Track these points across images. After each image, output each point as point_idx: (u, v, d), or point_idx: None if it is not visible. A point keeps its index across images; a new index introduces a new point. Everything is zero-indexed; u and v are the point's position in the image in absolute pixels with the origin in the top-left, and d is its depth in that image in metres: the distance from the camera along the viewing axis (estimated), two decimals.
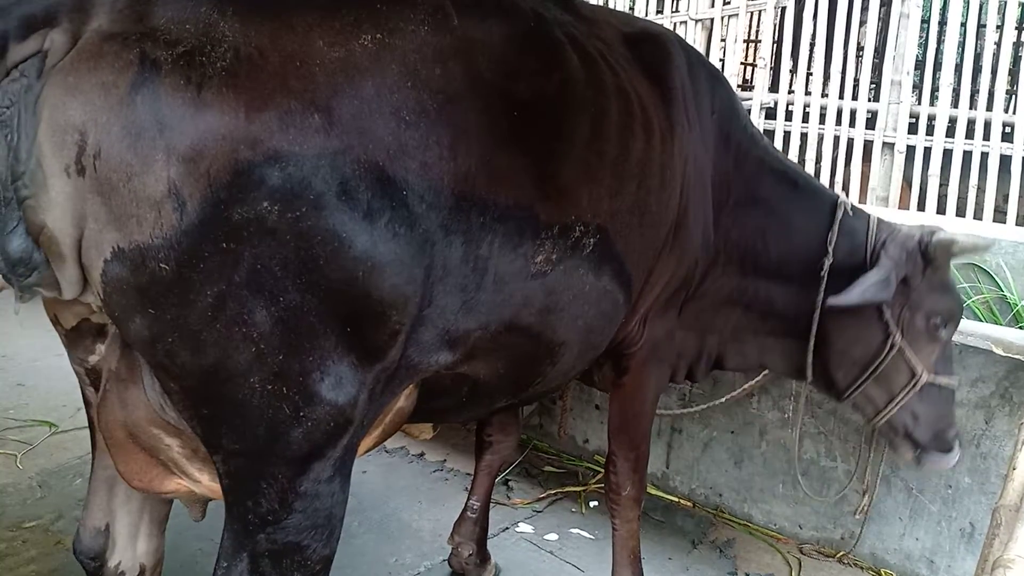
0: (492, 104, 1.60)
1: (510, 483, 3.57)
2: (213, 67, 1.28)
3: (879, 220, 2.49)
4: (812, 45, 7.19)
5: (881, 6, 7.36)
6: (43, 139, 1.26)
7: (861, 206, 2.65)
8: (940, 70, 6.97)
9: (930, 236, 2.36)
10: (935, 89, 7.25)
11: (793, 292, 2.43)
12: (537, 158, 1.70)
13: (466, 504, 2.83)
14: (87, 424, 3.78)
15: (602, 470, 3.65)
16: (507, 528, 3.24)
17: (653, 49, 2.19)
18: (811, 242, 2.42)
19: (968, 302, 4.58)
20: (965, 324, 3.04)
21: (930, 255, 2.35)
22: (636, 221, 1.97)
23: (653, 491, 3.57)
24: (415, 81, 1.46)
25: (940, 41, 7.03)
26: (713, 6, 7.53)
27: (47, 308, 1.59)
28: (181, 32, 1.29)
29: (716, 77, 2.46)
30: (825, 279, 2.37)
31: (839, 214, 2.44)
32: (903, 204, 6.94)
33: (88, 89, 1.25)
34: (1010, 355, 2.79)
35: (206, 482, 1.59)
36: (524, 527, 3.26)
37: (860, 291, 2.25)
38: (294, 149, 1.32)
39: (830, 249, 2.38)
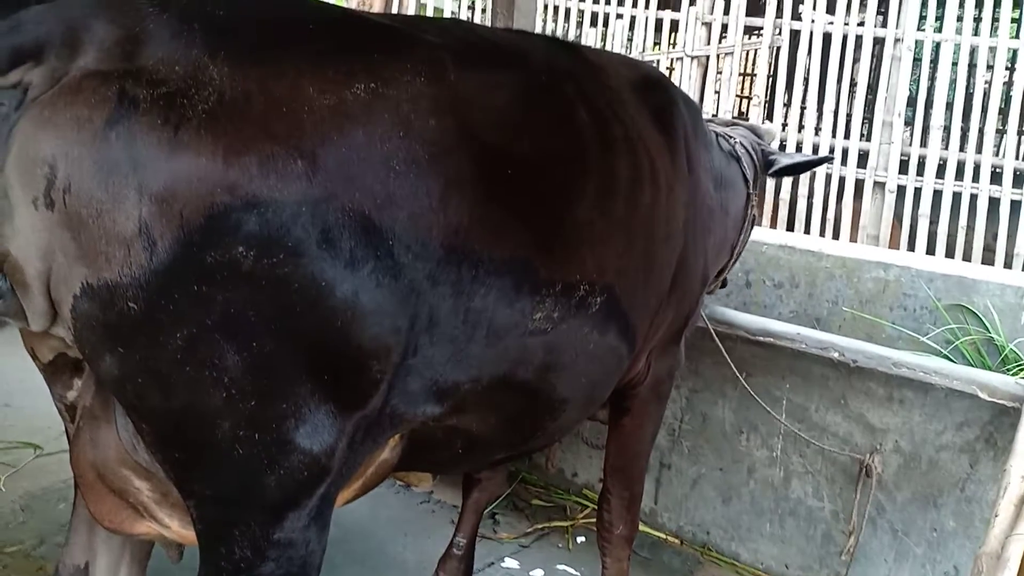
0: (489, 158, 1.58)
1: (497, 516, 3.56)
2: (194, 109, 1.27)
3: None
4: (806, 82, 7.28)
5: (874, 44, 7.46)
6: (12, 170, 1.25)
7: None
8: (932, 108, 7.06)
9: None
10: (926, 128, 7.32)
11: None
12: (539, 214, 1.68)
13: (452, 540, 2.82)
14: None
15: (590, 505, 3.65)
16: (492, 563, 3.21)
17: (658, 95, 2.22)
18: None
19: (956, 343, 4.62)
20: (951, 367, 3.07)
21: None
22: (642, 275, 1.97)
23: (641, 527, 3.54)
24: (407, 131, 1.45)
25: (932, 79, 7.12)
26: (709, 43, 7.61)
27: (24, 341, 1.58)
28: (169, 73, 1.28)
29: (699, 112, 2.53)
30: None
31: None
32: (893, 242, 7.00)
33: (62, 123, 1.24)
34: (995, 400, 2.81)
35: (175, 528, 1.57)
36: (510, 562, 3.24)
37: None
38: (274, 195, 1.30)
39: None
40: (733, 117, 8.21)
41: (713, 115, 4.03)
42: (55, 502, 3.39)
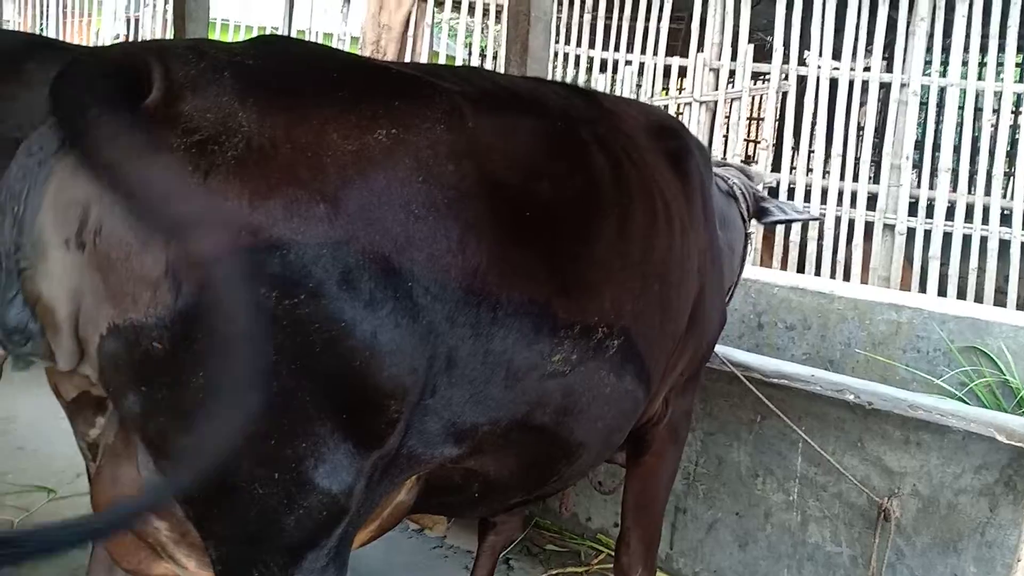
0: (507, 202, 1.61)
1: (511, 562, 3.52)
2: (223, 156, 1.31)
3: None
4: (813, 126, 7.35)
5: (880, 88, 7.54)
6: (47, 212, 1.30)
7: None
8: (939, 151, 7.11)
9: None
10: (934, 170, 7.37)
11: None
12: (557, 258, 1.70)
13: None
14: (87, 492, 3.76)
15: (604, 550, 3.61)
16: None
17: (673, 141, 2.25)
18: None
19: (971, 386, 4.60)
20: (968, 410, 3.05)
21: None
22: (658, 319, 1.98)
23: (657, 573, 3.52)
24: (427, 176, 1.48)
25: (939, 122, 7.19)
26: (717, 88, 7.71)
27: (48, 378, 1.61)
28: (201, 121, 1.32)
29: (710, 158, 2.57)
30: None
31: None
32: (904, 284, 7.00)
33: (96, 166, 1.28)
34: (1013, 442, 2.79)
35: (192, 569, 1.56)
36: None
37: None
38: (296, 237, 1.33)
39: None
40: (741, 161, 8.31)
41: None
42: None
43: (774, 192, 7.54)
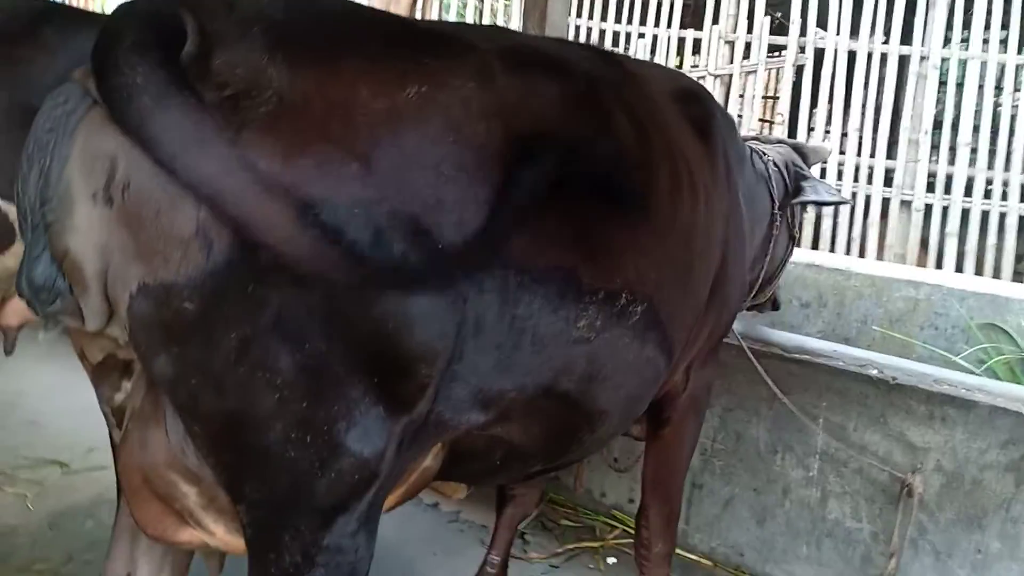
0: (535, 165, 1.56)
1: (526, 536, 3.50)
2: (256, 111, 1.27)
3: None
4: (830, 102, 7.25)
5: (900, 62, 7.43)
6: (75, 164, 1.26)
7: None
8: (959, 126, 7.01)
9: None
10: (953, 147, 7.28)
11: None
12: (582, 222, 1.67)
13: (486, 558, 2.77)
14: (100, 465, 3.73)
15: (619, 526, 3.59)
16: None
17: (698, 107, 2.20)
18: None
19: (989, 363, 4.55)
20: (995, 385, 3.01)
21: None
22: (681, 287, 1.94)
23: None
24: (457, 136, 1.44)
25: (959, 97, 7.06)
26: (732, 62, 7.61)
27: (74, 342, 1.57)
28: (231, 75, 1.29)
29: (735, 126, 2.51)
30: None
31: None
32: (920, 261, 6.93)
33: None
34: None
35: (220, 535, 1.54)
36: None
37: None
38: (328, 196, 1.29)
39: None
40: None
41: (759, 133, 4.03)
42: (82, 519, 3.38)
43: None
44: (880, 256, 6.80)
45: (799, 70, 7.77)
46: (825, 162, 7.36)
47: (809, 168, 3.06)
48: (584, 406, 1.79)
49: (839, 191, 7.06)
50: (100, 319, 1.35)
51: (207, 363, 1.31)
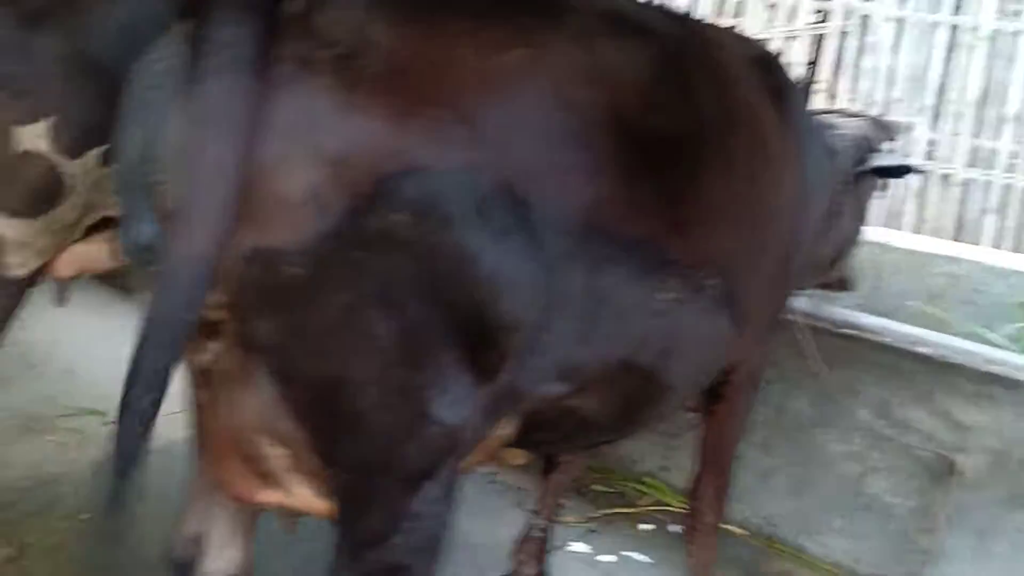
0: (627, 132, 1.55)
1: (560, 501, 3.51)
2: (365, 71, 1.25)
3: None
4: (874, 69, 7.10)
5: (950, 32, 7.23)
6: (182, 124, 1.24)
7: None
8: (1007, 98, 6.84)
9: None
10: (997, 122, 7.12)
11: None
12: (667, 192, 1.65)
13: (531, 522, 2.79)
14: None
15: (651, 492, 3.60)
16: (560, 547, 3.18)
17: (772, 76, 2.15)
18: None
19: None
20: None
21: None
22: (753, 262, 1.92)
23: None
24: (559, 101, 1.42)
25: (1009, 69, 6.87)
26: (773, 26, 7.46)
27: None
28: (335, 33, 1.26)
29: (803, 94, 2.46)
30: None
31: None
32: (957, 237, 6.83)
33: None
34: None
35: (304, 496, 1.55)
36: (577, 546, 3.20)
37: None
38: (435, 162, 1.28)
39: None
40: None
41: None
42: None
43: None
44: (917, 230, 6.69)
45: (843, 36, 7.59)
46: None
47: (890, 143, 2.96)
48: (657, 379, 1.78)
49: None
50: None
51: (310, 328, 1.32)
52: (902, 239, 5.42)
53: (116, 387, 4.03)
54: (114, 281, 4.62)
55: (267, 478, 1.55)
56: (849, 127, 2.85)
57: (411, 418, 1.39)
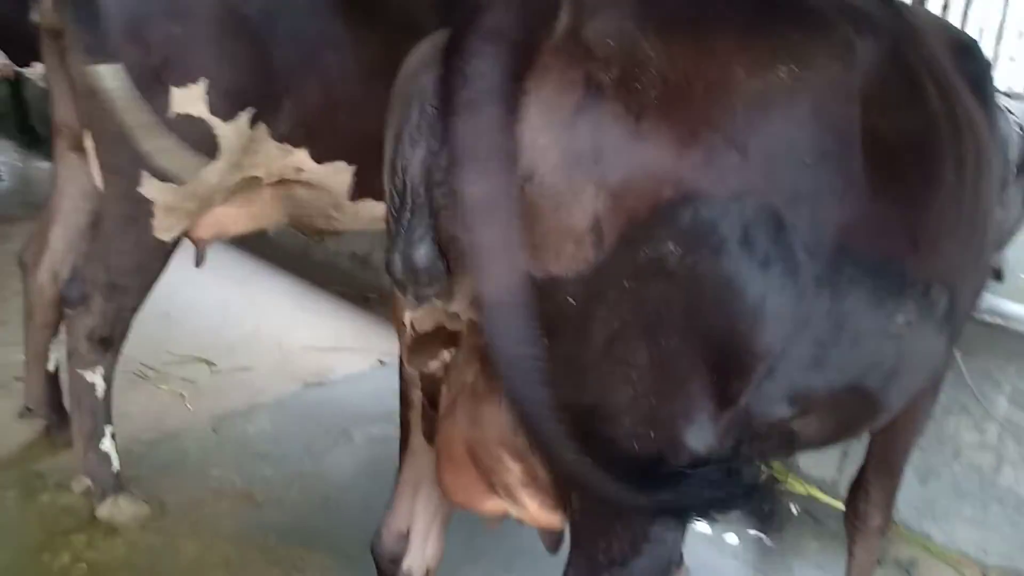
0: (875, 144, 1.46)
1: None
2: (647, 94, 1.20)
3: None
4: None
5: None
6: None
7: None
8: None
9: None
10: None
11: None
12: (906, 207, 1.56)
13: None
14: (245, 367, 3.76)
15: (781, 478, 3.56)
16: None
17: (974, 64, 2.00)
18: None
19: None
20: None
21: None
22: (971, 269, 1.82)
23: (822, 497, 3.46)
24: (820, 121, 1.35)
25: None
26: None
27: (397, 312, 1.52)
28: (608, 50, 1.20)
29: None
30: None
31: None
32: None
33: (529, 106, 1.18)
34: None
35: (533, 509, 1.55)
36: (701, 526, 3.18)
37: None
38: (709, 189, 1.24)
39: None
40: None
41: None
42: (241, 424, 3.42)
43: None
44: None
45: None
46: None
47: None
48: (873, 401, 1.72)
49: None
50: (470, 302, 1.31)
51: (574, 356, 1.30)
52: None
53: (216, 335, 4.04)
54: None
55: (499, 489, 1.56)
56: (1016, 111, 2.70)
57: (660, 446, 1.37)
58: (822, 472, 3.46)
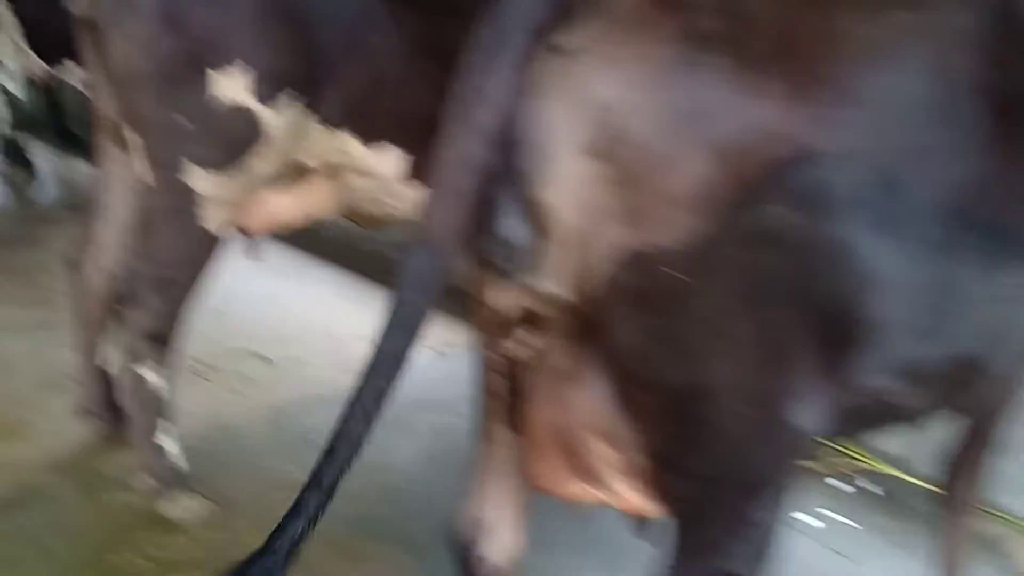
0: (989, 99, 1.35)
1: None
2: (752, 47, 1.13)
3: None
4: None
5: None
6: (553, 109, 1.14)
7: None
8: None
9: None
10: None
11: None
12: (1015, 160, 1.44)
13: None
14: (298, 359, 3.71)
15: (839, 450, 3.44)
16: None
17: None
18: None
19: None
20: None
21: None
22: None
23: (893, 472, 3.33)
24: (937, 71, 1.26)
25: None
26: None
27: (473, 287, 1.45)
28: (718, 4, 1.14)
29: None
30: None
31: None
32: None
33: (622, 62, 1.12)
34: None
35: (623, 494, 1.49)
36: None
37: None
38: (822, 147, 1.16)
39: None
40: None
41: None
42: (300, 418, 3.38)
43: None
44: None
45: None
46: None
47: None
48: (984, 370, 1.60)
49: None
50: (563, 279, 1.25)
51: (676, 333, 1.24)
52: None
53: (266, 328, 3.99)
54: None
55: (586, 474, 1.50)
56: None
57: (767, 425, 1.31)
58: (899, 450, 3.34)
